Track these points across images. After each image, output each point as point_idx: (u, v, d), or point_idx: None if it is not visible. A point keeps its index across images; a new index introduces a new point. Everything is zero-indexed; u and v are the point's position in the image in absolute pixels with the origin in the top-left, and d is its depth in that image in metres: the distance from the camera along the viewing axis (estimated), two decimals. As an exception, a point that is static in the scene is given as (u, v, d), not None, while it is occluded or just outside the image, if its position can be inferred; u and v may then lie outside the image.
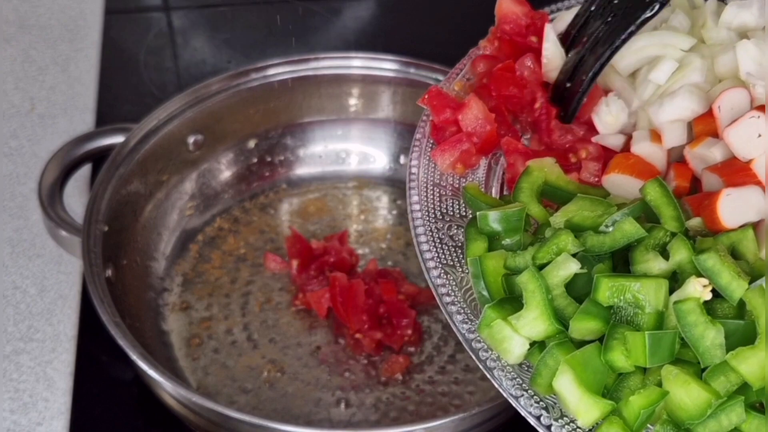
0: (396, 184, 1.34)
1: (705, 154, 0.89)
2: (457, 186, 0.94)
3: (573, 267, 0.80)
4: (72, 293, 1.19)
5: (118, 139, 1.20)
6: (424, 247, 0.88)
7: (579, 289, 0.81)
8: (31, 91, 1.45)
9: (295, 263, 1.22)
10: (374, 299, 1.15)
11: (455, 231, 0.90)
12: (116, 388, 1.12)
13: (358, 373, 1.13)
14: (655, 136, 0.93)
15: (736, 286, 0.77)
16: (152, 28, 1.61)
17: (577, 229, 0.83)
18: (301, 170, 1.35)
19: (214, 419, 0.99)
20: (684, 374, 0.76)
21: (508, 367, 0.81)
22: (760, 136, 0.85)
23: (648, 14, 0.93)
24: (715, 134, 0.89)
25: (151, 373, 0.98)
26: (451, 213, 0.91)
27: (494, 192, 0.95)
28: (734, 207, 0.83)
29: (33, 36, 1.55)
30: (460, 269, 0.87)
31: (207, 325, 1.18)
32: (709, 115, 0.90)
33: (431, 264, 0.86)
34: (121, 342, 0.99)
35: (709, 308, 0.78)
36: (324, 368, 1.14)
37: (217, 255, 1.25)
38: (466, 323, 0.83)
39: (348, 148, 1.36)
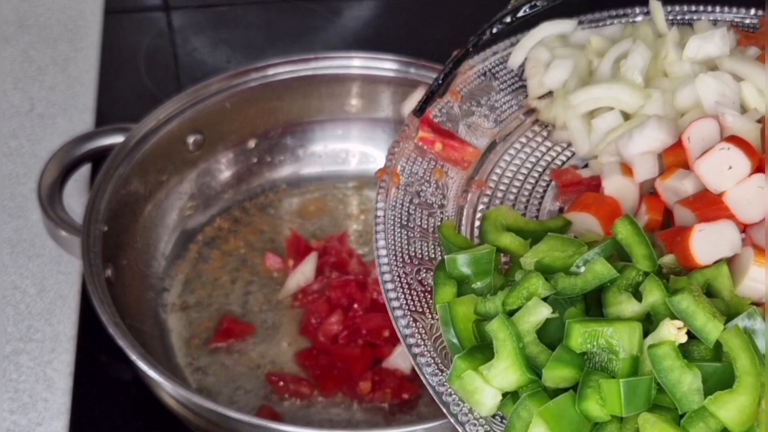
0: (396, 184, 1.34)
1: (677, 186, 0.86)
2: (425, 227, 0.91)
3: (544, 312, 0.77)
4: (72, 293, 1.19)
5: (118, 139, 1.20)
6: (392, 294, 0.84)
7: (551, 335, 0.78)
8: (30, 91, 1.45)
9: (294, 263, 1.21)
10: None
11: (424, 275, 0.86)
12: (116, 388, 1.12)
13: (358, 373, 1.14)
14: (626, 169, 0.91)
15: (711, 328, 0.74)
16: (152, 28, 1.61)
17: (547, 271, 0.80)
18: (301, 170, 1.35)
19: (214, 419, 0.99)
20: (661, 422, 0.73)
21: (480, 420, 0.78)
22: (731, 168, 0.82)
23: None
24: (686, 165, 0.87)
25: (151, 373, 0.98)
26: (420, 256, 0.88)
27: (463, 232, 0.92)
28: (707, 243, 0.80)
29: (33, 36, 1.54)
30: (430, 315, 0.84)
31: (207, 326, 1.18)
32: (678, 145, 0.88)
33: (399, 312, 0.83)
34: (121, 342, 0.99)
35: (685, 351, 0.75)
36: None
37: (217, 255, 1.25)
38: (437, 375, 0.79)
39: (348, 148, 1.36)
